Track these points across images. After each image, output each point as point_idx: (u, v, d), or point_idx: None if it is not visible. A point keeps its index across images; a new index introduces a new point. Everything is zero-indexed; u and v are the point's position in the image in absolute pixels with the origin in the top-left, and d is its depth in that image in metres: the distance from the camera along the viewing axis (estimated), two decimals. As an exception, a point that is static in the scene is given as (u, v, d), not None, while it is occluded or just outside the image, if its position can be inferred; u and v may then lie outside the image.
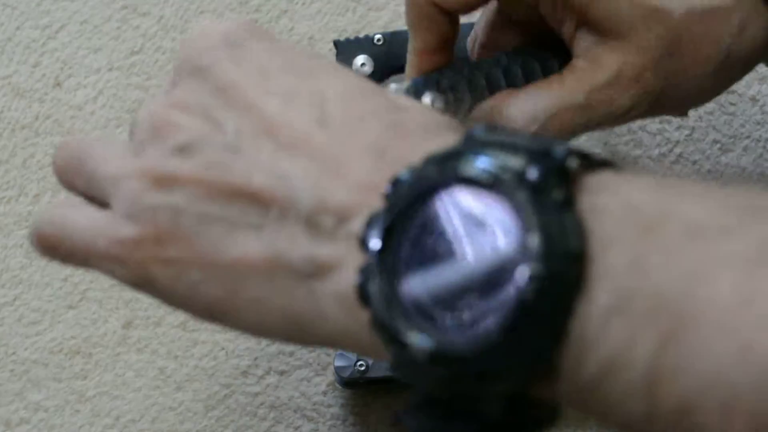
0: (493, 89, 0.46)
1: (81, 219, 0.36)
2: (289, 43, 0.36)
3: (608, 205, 0.28)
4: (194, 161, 0.33)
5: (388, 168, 0.31)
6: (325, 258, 0.31)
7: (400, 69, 0.60)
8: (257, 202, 0.32)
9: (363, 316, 0.29)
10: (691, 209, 0.27)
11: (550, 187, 0.28)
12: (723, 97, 0.61)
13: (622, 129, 0.61)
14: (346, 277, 0.30)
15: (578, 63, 0.44)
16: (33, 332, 0.57)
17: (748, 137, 0.60)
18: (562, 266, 0.27)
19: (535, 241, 0.27)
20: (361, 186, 0.31)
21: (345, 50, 0.61)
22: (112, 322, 0.57)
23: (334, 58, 0.62)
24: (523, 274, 0.27)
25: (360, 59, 0.61)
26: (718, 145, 0.60)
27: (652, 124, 0.60)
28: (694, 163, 0.60)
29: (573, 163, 0.28)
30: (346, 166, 0.31)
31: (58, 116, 0.62)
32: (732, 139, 0.60)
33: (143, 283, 0.35)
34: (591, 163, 0.29)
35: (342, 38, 0.62)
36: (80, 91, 0.62)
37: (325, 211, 0.31)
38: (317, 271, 0.31)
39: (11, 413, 0.55)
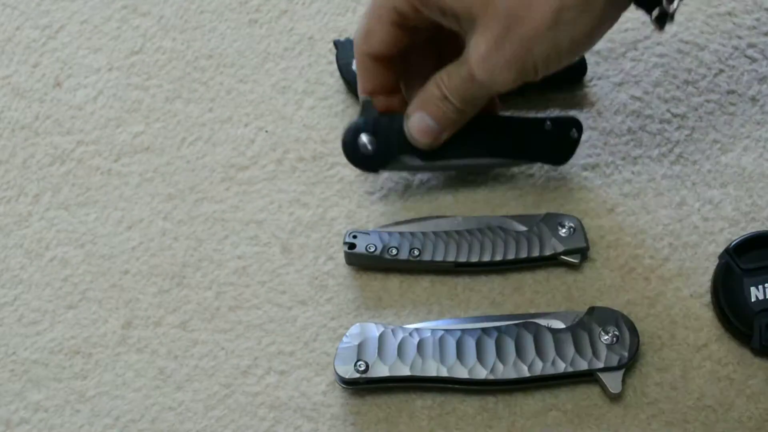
0: None
1: None
2: None
3: None
4: None
5: None
6: None
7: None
8: None
9: None
10: None
11: None
12: (723, 97, 0.61)
13: (622, 129, 0.61)
14: None
15: (467, 48, 0.53)
16: (33, 332, 0.57)
17: (748, 137, 0.60)
18: None
19: None
20: None
21: (345, 50, 0.61)
22: (112, 322, 0.57)
23: (334, 57, 0.62)
24: None
25: (360, 59, 0.61)
26: (718, 145, 0.60)
27: (652, 124, 0.61)
28: (694, 163, 0.60)
29: None
30: None
31: (58, 116, 0.62)
32: (732, 139, 0.60)
33: None
34: None
35: (342, 38, 0.62)
36: (80, 91, 0.62)
37: None
38: None
39: (11, 413, 0.55)
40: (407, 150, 0.56)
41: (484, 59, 0.51)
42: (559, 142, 0.58)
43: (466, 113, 0.55)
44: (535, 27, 0.50)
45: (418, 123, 0.55)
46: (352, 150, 0.57)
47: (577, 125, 0.58)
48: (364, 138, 0.56)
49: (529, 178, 0.60)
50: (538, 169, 0.60)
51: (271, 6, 0.64)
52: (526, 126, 0.58)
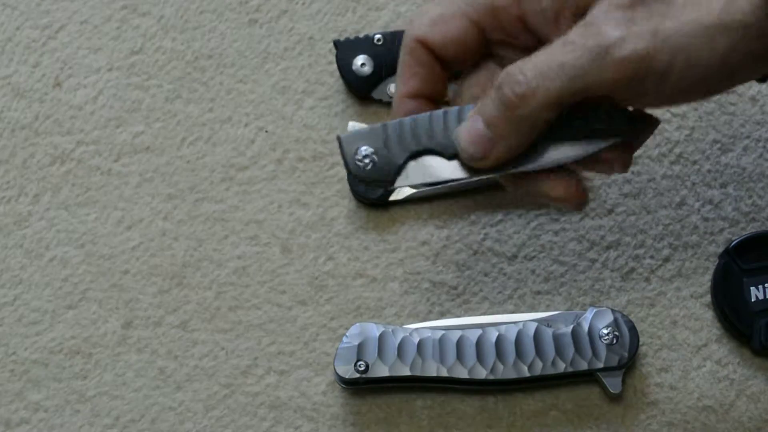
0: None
1: None
2: None
3: None
4: None
5: None
6: None
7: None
8: None
9: None
10: None
11: None
12: (723, 97, 0.61)
13: (622, 129, 0.61)
14: None
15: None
16: (33, 332, 0.57)
17: (748, 137, 0.60)
18: None
19: None
20: None
21: (345, 50, 0.61)
22: (112, 322, 0.57)
23: (334, 57, 0.62)
24: None
25: (360, 59, 0.61)
26: (718, 145, 0.60)
27: (652, 124, 0.61)
28: (694, 163, 0.60)
29: None
30: None
31: (58, 116, 0.62)
32: (732, 139, 0.60)
33: None
34: None
35: (342, 38, 0.62)
36: (80, 91, 0.62)
37: None
38: None
39: (11, 413, 0.55)
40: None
41: (597, 20, 0.40)
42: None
43: (529, 108, 0.42)
44: (699, 13, 0.40)
45: (468, 127, 0.44)
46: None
47: None
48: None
49: (529, 178, 0.59)
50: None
51: (271, 6, 0.64)
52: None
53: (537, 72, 0.41)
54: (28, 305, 0.57)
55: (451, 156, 0.45)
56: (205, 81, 0.62)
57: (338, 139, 0.45)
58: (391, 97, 0.60)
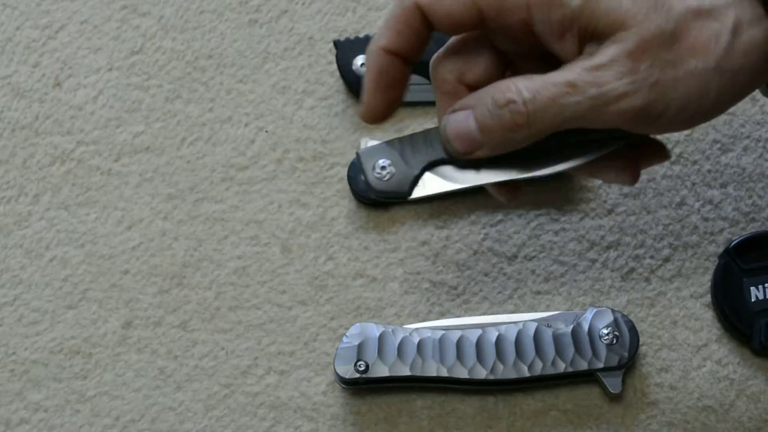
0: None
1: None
2: None
3: None
4: None
5: None
6: None
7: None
8: None
9: None
10: None
11: None
12: (723, 97, 0.61)
13: (622, 129, 0.61)
14: None
15: (568, 59, 0.44)
16: (33, 332, 0.57)
17: (748, 137, 0.60)
18: None
19: None
20: None
21: (345, 50, 0.61)
22: (112, 322, 0.57)
23: (334, 57, 0.62)
24: None
25: (360, 59, 0.61)
26: (718, 145, 0.60)
27: (652, 124, 0.60)
28: (694, 163, 0.60)
29: None
30: None
31: (58, 116, 0.62)
32: (732, 139, 0.60)
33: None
34: None
35: (342, 38, 0.62)
36: (80, 91, 0.62)
37: None
38: None
39: (11, 413, 0.55)
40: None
41: (603, 66, 0.42)
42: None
43: (524, 134, 0.43)
44: (695, 59, 0.42)
45: (458, 122, 0.45)
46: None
47: None
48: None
49: (528, 179, 0.59)
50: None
51: (271, 6, 0.64)
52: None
53: (538, 105, 0.42)
54: (28, 305, 0.58)
55: (464, 165, 0.46)
56: (205, 81, 0.62)
57: (357, 154, 0.48)
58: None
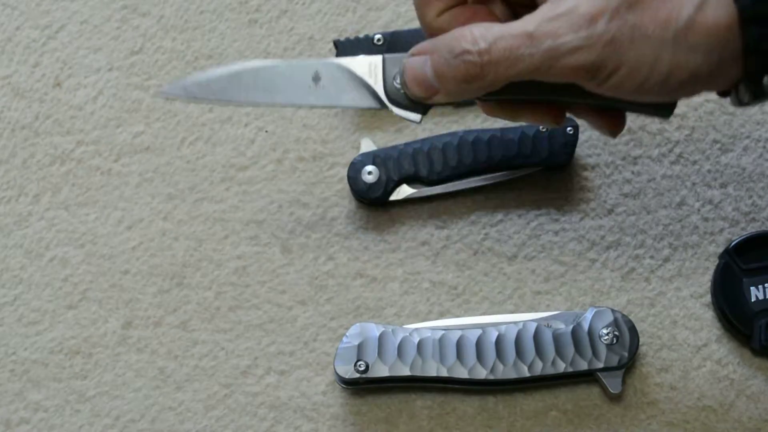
0: None
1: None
2: None
3: None
4: None
5: None
6: None
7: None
8: None
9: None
10: None
11: None
12: (723, 97, 0.61)
13: (622, 129, 0.61)
14: None
15: (540, 5, 0.44)
16: (33, 332, 0.57)
17: (748, 137, 0.60)
18: None
19: None
20: None
21: (345, 50, 0.61)
22: (112, 322, 0.57)
23: (333, 56, 0.62)
24: None
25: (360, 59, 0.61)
26: (718, 145, 0.60)
27: (652, 124, 0.60)
28: (694, 163, 0.60)
29: None
30: None
31: (58, 116, 0.62)
32: (732, 139, 0.60)
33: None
34: None
35: (342, 38, 0.62)
36: (80, 91, 0.62)
37: None
38: None
39: (11, 413, 0.55)
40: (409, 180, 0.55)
41: (561, 16, 0.42)
42: (557, 144, 0.58)
43: (478, 84, 0.44)
44: (654, 25, 0.42)
45: (415, 67, 0.46)
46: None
47: (573, 123, 0.58)
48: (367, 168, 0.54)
49: (528, 179, 0.59)
50: (539, 169, 0.60)
51: (271, 6, 0.64)
52: (522, 135, 0.58)
53: (493, 56, 0.43)
54: (28, 305, 0.57)
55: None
56: (205, 81, 0.62)
57: (383, 59, 0.48)
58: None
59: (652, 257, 0.57)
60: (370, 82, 0.48)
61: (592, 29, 0.42)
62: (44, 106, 0.62)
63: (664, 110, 0.47)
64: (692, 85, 0.44)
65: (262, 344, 0.56)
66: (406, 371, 0.53)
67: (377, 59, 0.48)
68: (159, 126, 0.61)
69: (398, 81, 0.47)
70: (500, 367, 0.53)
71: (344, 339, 0.54)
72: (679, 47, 0.42)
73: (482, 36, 0.43)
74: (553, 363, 0.53)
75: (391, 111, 0.48)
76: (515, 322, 0.54)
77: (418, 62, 0.46)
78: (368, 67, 0.48)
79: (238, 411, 0.55)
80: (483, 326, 0.54)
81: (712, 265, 0.57)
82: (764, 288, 0.55)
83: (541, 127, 0.58)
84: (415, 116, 0.48)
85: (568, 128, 0.58)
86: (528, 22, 0.43)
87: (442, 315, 0.56)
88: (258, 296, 0.57)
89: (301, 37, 0.63)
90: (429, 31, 0.47)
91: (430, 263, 0.58)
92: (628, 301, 0.56)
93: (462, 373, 0.53)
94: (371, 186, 0.58)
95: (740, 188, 0.59)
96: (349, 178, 0.58)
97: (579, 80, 0.43)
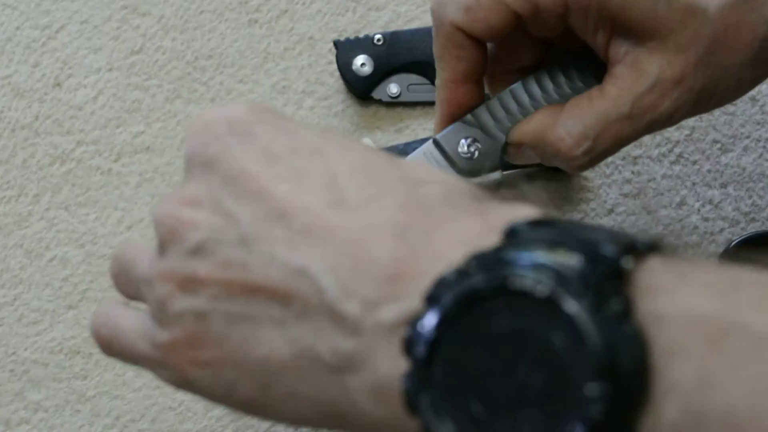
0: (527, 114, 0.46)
1: (127, 321, 0.36)
2: (294, 121, 0.35)
3: (668, 311, 0.26)
4: (211, 261, 0.32)
5: (411, 250, 0.29)
6: (354, 351, 0.30)
7: (399, 69, 0.61)
8: (278, 298, 0.31)
9: (400, 408, 0.28)
10: (756, 319, 0.26)
11: (608, 295, 0.26)
12: (723, 97, 0.61)
13: (622, 129, 0.61)
14: (380, 372, 0.29)
15: (617, 71, 0.43)
16: (33, 332, 0.57)
17: (748, 137, 0.60)
18: (629, 381, 0.25)
19: (599, 356, 0.26)
20: (384, 274, 0.29)
21: (345, 50, 0.61)
22: (112, 322, 0.57)
23: (334, 57, 0.62)
24: (591, 391, 0.25)
25: (360, 59, 0.61)
26: (718, 145, 0.60)
27: (652, 124, 0.61)
28: (694, 163, 0.60)
29: (628, 263, 0.27)
30: (365, 251, 0.30)
31: (58, 116, 0.62)
32: (732, 139, 0.60)
33: (183, 384, 0.34)
34: (639, 249, 0.28)
35: (342, 38, 0.62)
36: (80, 91, 0.62)
37: (349, 302, 0.30)
38: (347, 364, 0.30)
39: (11, 413, 0.55)
40: None
41: (653, 89, 0.42)
42: None
43: (591, 166, 0.45)
44: (735, 56, 0.42)
45: (517, 156, 0.47)
46: None
47: None
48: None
49: (528, 179, 0.59)
50: (538, 169, 0.60)
51: (271, 6, 0.64)
52: None
53: (599, 149, 0.44)
54: (28, 305, 0.57)
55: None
56: (205, 81, 0.62)
57: (435, 142, 0.46)
58: (391, 97, 0.60)
59: (652, 257, 0.57)
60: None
61: (683, 86, 0.42)
62: (44, 106, 0.62)
63: None
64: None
65: (262, 344, 0.56)
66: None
67: (429, 147, 0.47)
68: (159, 126, 0.61)
69: (464, 149, 0.46)
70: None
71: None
72: (758, 66, 0.42)
73: (583, 135, 0.43)
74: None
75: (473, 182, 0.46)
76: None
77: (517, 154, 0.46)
78: (424, 157, 0.47)
79: (238, 411, 0.55)
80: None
81: (712, 265, 0.57)
82: (764, 288, 0.55)
83: None
84: (496, 174, 0.47)
85: None
86: (620, 102, 0.43)
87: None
88: (258, 296, 0.57)
89: (301, 37, 0.63)
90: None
91: (430, 263, 0.58)
92: (628, 301, 0.56)
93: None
94: None
95: (740, 188, 0.59)
96: None
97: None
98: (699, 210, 0.58)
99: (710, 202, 0.58)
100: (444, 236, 0.30)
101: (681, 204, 0.58)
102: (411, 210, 0.31)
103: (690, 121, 0.60)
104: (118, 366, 0.56)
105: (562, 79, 0.46)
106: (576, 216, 0.58)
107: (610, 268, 0.27)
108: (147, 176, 0.60)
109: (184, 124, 0.61)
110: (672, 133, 0.60)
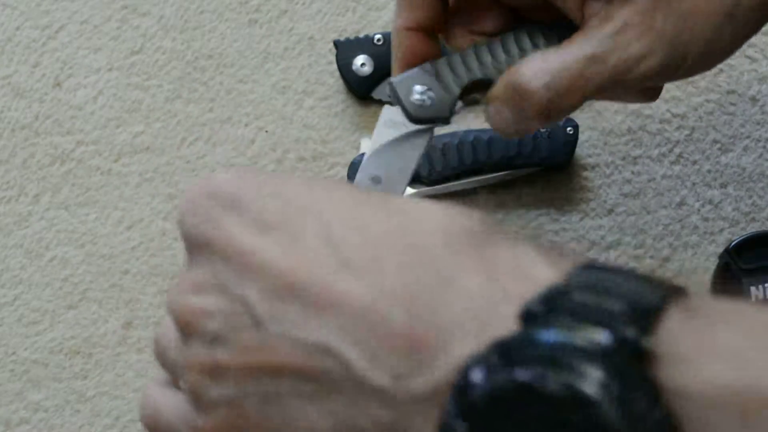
0: (488, 72, 0.46)
1: (168, 406, 0.36)
2: (275, 176, 0.34)
3: (695, 387, 0.26)
4: (230, 347, 0.32)
5: (423, 320, 0.29)
6: (394, 420, 0.30)
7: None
8: (305, 376, 0.31)
9: None
10: None
11: (633, 387, 0.26)
12: (723, 97, 0.61)
13: (621, 129, 0.61)
14: None
15: (587, 23, 0.43)
16: (33, 332, 0.57)
17: (748, 137, 0.60)
18: None
19: None
20: (403, 345, 0.29)
21: (345, 50, 0.61)
22: (112, 322, 0.57)
23: (334, 57, 0.62)
24: None
25: (360, 59, 0.61)
26: (718, 145, 0.60)
27: (652, 123, 0.60)
28: (694, 163, 0.60)
29: (650, 343, 0.27)
30: (380, 320, 0.30)
31: (58, 116, 0.62)
32: (732, 139, 0.60)
33: None
34: (657, 308, 0.28)
35: (342, 38, 0.62)
36: (80, 91, 0.62)
37: (378, 374, 0.30)
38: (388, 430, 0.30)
39: (11, 413, 0.55)
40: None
41: (621, 31, 0.41)
42: (557, 144, 0.58)
43: (547, 118, 0.43)
44: (702, 4, 0.41)
45: (496, 116, 0.45)
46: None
47: (573, 123, 0.58)
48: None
49: (528, 180, 0.59)
50: (538, 169, 0.60)
51: (271, 6, 0.64)
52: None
53: (560, 89, 0.42)
54: (28, 305, 0.57)
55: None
56: (205, 81, 0.62)
57: (390, 84, 0.46)
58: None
59: (652, 257, 0.57)
60: (401, 122, 0.47)
61: (652, 32, 0.41)
62: (44, 106, 0.62)
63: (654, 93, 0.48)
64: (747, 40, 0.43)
65: (262, 344, 0.56)
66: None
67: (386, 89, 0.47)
68: (159, 126, 0.61)
69: (416, 96, 0.46)
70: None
71: (344, 339, 0.54)
72: (735, 19, 0.41)
73: (542, 70, 0.42)
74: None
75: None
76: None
77: (495, 112, 0.45)
78: (392, 115, 0.47)
79: (238, 411, 0.55)
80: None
81: (712, 265, 0.57)
82: (764, 288, 0.55)
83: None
84: (445, 124, 0.47)
85: (568, 128, 0.58)
86: (585, 46, 0.42)
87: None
88: (258, 296, 0.57)
89: (301, 37, 0.63)
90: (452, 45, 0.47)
91: (430, 263, 0.58)
92: (628, 301, 0.56)
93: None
94: None
95: (740, 188, 0.59)
96: (349, 178, 0.58)
97: (649, 83, 0.43)
98: (699, 210, 0.58)
99: (710, 202, 0.58)
100: (453, 301, 0.30)
101: (681, 204, 0.58)
102: (415, 270, 0.31)
103: (690, 121, 0.60)
104: (118, 366, 0.56)
105: (528, 45, 0.46)
106: (576, 216, 0.58)
107: (633, 351, 0.27)
108: (147, 176, 0.60)
109: (184, 124, 0.61)
110: (672, 133, 0.60)
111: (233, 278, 0.32)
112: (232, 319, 0.32)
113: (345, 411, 0.30)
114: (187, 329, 0.34)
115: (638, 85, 0.42)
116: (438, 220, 0.32)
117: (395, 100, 0.47)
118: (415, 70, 0.47)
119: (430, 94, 0.46)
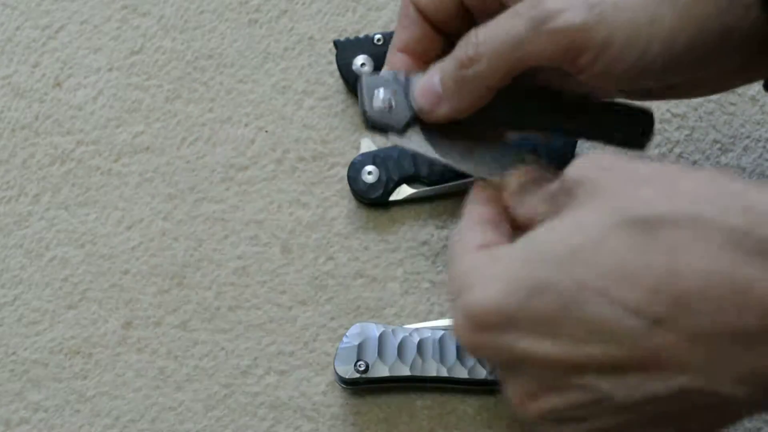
0: None
1: None
2: (520, 266, 0.36)
3: None
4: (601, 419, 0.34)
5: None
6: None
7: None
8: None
9: None
10: None
11: None
12: (723, 97, 0.61)
13: (622, 129, 0.61)
14: None
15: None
16: (33, 332, 0.57)
17: (748, 137, 0.60)
18: None
19: None
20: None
21: (345, 50, 0.61)
22: (112, 322, 0.57)
23: (334, 57, 0.62)
24: None
25: (360, 59, 0.61)
26: (718, 145, 0.60)
27: (652, 124, 0.61)
28: (694, 163, 0.60)
29: None
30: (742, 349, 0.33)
31: (58, 116, 0.62)
32: (732, 139, 0.60)
33: None
34: None
35: (342, 38, 0.62)
36: (80, 91, 0.62)
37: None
38: None
39: (11, 413, 0.55)
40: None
41: None
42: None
43: (476, 69, 0.43)
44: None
45: (424, 80, 0.46)
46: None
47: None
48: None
49: (529, 178, 0.59)
50: (538, 169, 0.60)
51: (271, 6, 0.64)
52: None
53: (486, 37, 0.43)
54: (28, 305, 0.58)
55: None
56: (205, 81, 0.62)
57: (360, 79, 0.48)
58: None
59: (652, 257, 0.57)
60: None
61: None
62: (44, 106, 0.62)
63: (643, 137, 0.48)
64: (702, 48, 0.40)
65: (262, 344, 0.56)
66: (406, 371, 0.53)
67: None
68: (159, 126, 0.61)
69: (378, 98, 0.47)
70: (500, 367, 0.53)
71: (344, 339, 0.54)
72: (678, 6, 0.39)
73: (474, 30, 0.44)
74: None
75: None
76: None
77: (427, 76, 0.46)
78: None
79: (238, 411, 0.55)
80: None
81: (712, 265, 0.57)
82: (764, 288, 0.55)
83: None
84: (396, 139, 0.48)
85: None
86: (512, 6, 0.43)
87: (442, 315, 0.56)
88: (258, 296, 0.57)
89: (301, 37, 0.63)
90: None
91: (430, 263, 0.58)
92: (628, 301, 0.56)
93: (462, 373, 0.53)
94: (371, 186, 0.58)
95: (740, 188, 0.59)
96: (349, 178, 0.58)
97: (570, 56, 0.41)
98: (699, 210, 0.58)
99: (710, 202, 0.58)
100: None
101: (681, 204, 0.58)
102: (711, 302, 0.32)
103: (690, 121, 0.60)
104: (118, 366, 0.56)
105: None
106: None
107: None
108: (147, 176, 0.60)
109: (184, 124, 0.61)
110: (672, 133, 0.60)
111: (564, 379, 0.34)
112: (590, 407, 0.34)
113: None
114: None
115: (556, 43, 0.41)
116: (699, 261, 0.34)
117: (360, 95, 0.48)
118: (392, 74, 0.48)
119: (392, 102, 0.47)
